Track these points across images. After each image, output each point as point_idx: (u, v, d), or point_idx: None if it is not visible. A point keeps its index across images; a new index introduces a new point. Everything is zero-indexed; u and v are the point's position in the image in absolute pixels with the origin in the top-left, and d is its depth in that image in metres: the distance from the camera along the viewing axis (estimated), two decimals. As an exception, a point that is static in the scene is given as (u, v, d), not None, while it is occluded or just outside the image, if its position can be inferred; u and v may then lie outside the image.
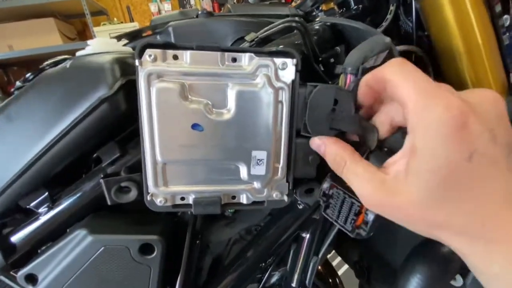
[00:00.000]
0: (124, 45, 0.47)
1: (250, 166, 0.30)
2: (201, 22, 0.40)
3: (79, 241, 0.36)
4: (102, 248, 0.36)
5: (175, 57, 0.26)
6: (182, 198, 0.31)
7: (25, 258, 0.40)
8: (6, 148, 0.35)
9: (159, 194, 0.30)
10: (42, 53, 2.48)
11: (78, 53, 0.36)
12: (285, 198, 0.33)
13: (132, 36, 0.47)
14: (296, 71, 0.27)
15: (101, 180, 0.36)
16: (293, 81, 0.27)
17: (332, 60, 0.45)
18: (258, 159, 0.30)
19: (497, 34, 0.44)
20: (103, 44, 0.35)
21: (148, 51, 0.25)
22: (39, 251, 0.41)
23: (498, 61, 0.44)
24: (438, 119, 0.18)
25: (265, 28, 0.37)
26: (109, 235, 0.36)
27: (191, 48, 0.26)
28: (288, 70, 0.27)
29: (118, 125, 0.35)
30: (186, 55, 0.26)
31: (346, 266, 1.18)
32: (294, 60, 0.27)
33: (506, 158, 0.19)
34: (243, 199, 0.32)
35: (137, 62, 0.25)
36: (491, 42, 0.42)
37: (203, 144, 0.28)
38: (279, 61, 0.27)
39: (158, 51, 0.25)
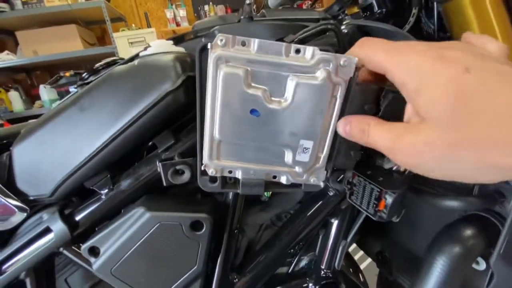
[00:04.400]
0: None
1: (296, 153, 0.33)
2: (244, 26, 0.45)
3: (137, 217, 0.41)
4: (158, 224, 0.41)
5: (243, 43, 0.28)
6: (230, 172, 0.35)
7: (84, 235, 0.45)
8: (78, 135, 0.41)
9: (211, 165, 0.34)
10: (64, 58, 2.61)
11: (141, 53, 0.42)
12: (321, 183, 0.36)
13: (177, 40, 0.52)
14: (356, 69, 0.29)
15: (159, 163, 0.40)
16: (351, 78, 0.29)
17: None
18: (305, 148, 0.33)
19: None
20: (162, 46, 0.40)
21: (220, 36, 0.27)
22: (96, 228, 0.46)
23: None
24: (418, 61, 0.21)
25: (304, 30, 0.41)
26: (164, 213, 0.41)
27: None
28: (348, 67, 0.28)
29: (175, 115, 0.40)
30: (254, 43, 0.28)
31: (366, 263, 1.20)
32: (356, 59, 0.28)
33: (507, 66, 0.19)
34: (283, 180, 0.36)
35: (209, 45, 0.28)
36: (511, 43, 0.46)
37: (257, 128, 0.31)
38: (342, 58, 0.28)
39: (229, 37, 0.28)
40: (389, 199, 0.36)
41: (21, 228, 0.48)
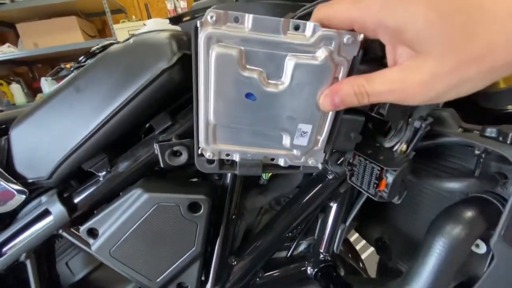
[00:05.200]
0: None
1: (294, 136, 0.32)
2: (241, 5, 0.44)
3: (135, 199, 0.41)
4: (156, 205, 0.40)
5: (236, 20, 0.25)
6: (227, 155, 0.34)
7: (83, 217, 0.46)
8: (75, 116, 0.40)
9: (208, 149, 0.33)
10: (65, 50, 2.60)
11: (137, 32, 0.41)
12: (320, 165, 0.36)
13: (175, 20, 0.51)
14: (360, 47, 0.26)
15: (156, 144, 0.40)
16: (354, 57, 0.27)
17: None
18: (303, 131, 0.32)
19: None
20: (157, 24, 0.40)
21: (210, 12, 0.25)
22: (95, 211, 0.47)
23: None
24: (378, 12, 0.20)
25: (303, 8, 0.40)
26: (162, 194, 0.41)
27: None
28: (352, 45, 0.26)
29: (172, 95, 0.39)
30: (249, 19, 0.25)
31: (366, 253, 1.20)
32: (361, 36, 0.25)
33: None
34: (281, 162, 0.36)
35: (198, 23, 0.25)
36: None
37: (253, 112, 0.30)
38: (346, 35, 0.25)
39: (220, 12, 0.25)
40: (390, 177, 0.36)
41: (22, 212, 0.49)
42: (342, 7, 0.23)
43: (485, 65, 0.19)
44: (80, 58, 0.53)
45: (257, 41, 0.26)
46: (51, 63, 2.99)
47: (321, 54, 0.26)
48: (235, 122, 0.31)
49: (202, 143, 0.33)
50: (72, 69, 0.50)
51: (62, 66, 1.77)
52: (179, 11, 3.09)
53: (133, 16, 2.87)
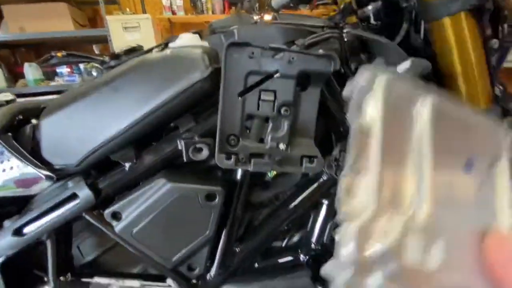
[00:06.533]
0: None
1: None
2: (260, 28, 0.51)
3: (159, 188, 0.47)
4: (177, 194, 0.47)
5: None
6: None
7: (105, 202, 0.50)
8: (109, 113, 0.46)
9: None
10: (52, 37, 2.53)
11: (171, 45, 0.47)
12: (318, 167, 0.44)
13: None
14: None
15: (181, 141, 0.46)
16: None
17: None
18: None
19: (487, 55, 0.57)
20: (191, 39, 0.46)
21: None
22: (116, 197, 0.52)
23: (486, 77, 0.57)
24: None
25: (313, 36, 0.48)
26: (183, 184, 0.47)
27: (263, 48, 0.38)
28: None
29: (198, 101, 0.46)
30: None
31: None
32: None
33: None
34: None
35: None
36: (482, 62, 0.55)
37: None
38: None
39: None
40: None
41: (40, 195, 0.52)
42: None
43: None
44: (106, 59, 0.57)
45: None
46: (36, 49, 2.89)
47: None
48: None
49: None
50: (104, 67, 0.54)
51: (53, 54, 1.76)
52: (175, 8, 3.10)
53: (127, 9, 2.85)
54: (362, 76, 0.15)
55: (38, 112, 0.52)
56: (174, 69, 0.42)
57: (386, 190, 0.14)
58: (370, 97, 0.15)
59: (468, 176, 0.16)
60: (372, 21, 0.63)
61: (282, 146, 0.45)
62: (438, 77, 0.59)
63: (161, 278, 0.53)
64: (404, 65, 0.46)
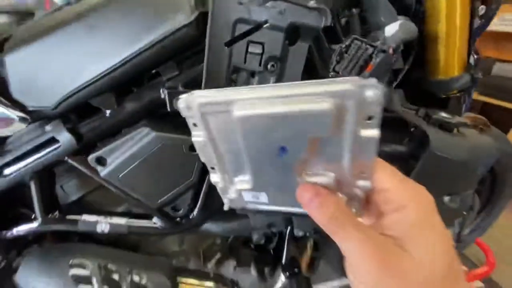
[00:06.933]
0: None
1: None
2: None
3: (143, 136, 0.47)
4: (161, 143, 0.48)
5: None
6: None
7: (88, 148, 0.51)
8: (86, 53, 0.42)
9: None
10: None
11: None
12: None
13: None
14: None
15: (165, 90, 0.45)
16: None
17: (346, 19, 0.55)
18: None
19: (471, 21, 0.58)
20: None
21: None
22: (98, 144, 0.52)
23: (465, 43, 0.58)
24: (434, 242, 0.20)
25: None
26: (167, 134, 0.48)
27: None
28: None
29: (183, 47, 0.43)
30: None
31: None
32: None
33: None
34: None
35: None
36: (465, 27, 0.56)
37: None
38: None
39: None
40: (378, 58, 0.46)
41: (15, 137, 0.51)
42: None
43: None
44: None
45: None
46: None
47: None
48: None
49: None
50: None
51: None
52: None
53: None
54: (182, 101, 0.20)
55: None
56: (157, 11, 0.39)
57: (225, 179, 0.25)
58: (191, 121, 0.21)
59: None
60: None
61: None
62: (421, 39, 0.59)
63: (147, 217, 0.58)
64: (393, 28, 0.46)
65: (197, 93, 0.20)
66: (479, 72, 0.61)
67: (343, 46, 0.45)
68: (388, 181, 0.21)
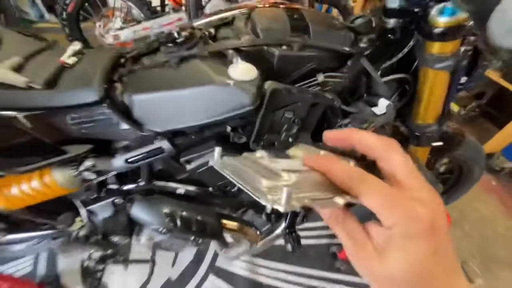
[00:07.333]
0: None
1: None
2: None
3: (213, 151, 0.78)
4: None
5: None
6: None
7: (178, 154, 0.82)
8: (189, 111, 0.69)
9: None
10: None
11: (231, 72, 0.64)
12: None
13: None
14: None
15: (232, 133, 0.74)
16: None
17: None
18: None
19: (450, 89, 0.78)
20: (248, 70, 0.64)
21: None
22: (183, 151, 0.83)
23: (441, 106, 0.80)
24: (413, 228, 0.21)
25: (328, 74, 0.67)
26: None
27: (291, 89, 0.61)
28: None
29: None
30: None
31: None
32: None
33: (452, 249, 0.22)
34: None
35: None
36: (442, 100, 0.78)
37: None
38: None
39: None
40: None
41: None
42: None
43: None
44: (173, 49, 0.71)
45: None
46: None
47: None
48: None
49: None
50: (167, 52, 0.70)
51: None
52: None
53: None
54: (214, 155, 0.30)
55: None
56: (235, 98, 0.63)
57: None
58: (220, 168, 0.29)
59: None
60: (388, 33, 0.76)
61: (290, 139, 0.75)
62: (412, 94, 0.82)
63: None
64: (381, 109, 0.70)
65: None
66: (446, 124, 0.85)
67: (344, 123, 0.70)
68: (375, 204, 0.22)
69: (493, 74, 1.93)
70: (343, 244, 0.26)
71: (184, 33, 0.71)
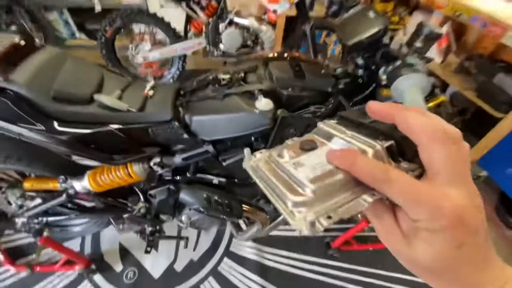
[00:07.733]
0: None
1: None
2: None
3: (242, 155, 1.19)
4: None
5: None
6: None
7: (217, 154, 1.23)
8: (224, 127, 1.10)
9: None
10: None
11: (257, 103, 1.05)
12: None
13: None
14: None
15: (246, 149, 1.14)
16: None
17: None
18: None
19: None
20: (267, 104, 1.05)
21: None
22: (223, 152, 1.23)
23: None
24: (437, 224, 0.21)
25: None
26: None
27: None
28: None
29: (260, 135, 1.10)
30: None
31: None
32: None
33: (485, 241, 0.22)
34: None
35: None
36: None
37: None
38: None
39: None
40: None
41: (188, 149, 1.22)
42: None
43: None
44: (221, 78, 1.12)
45: None
46: None
47: None
48: None
49: None
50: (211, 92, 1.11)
51: None
52: None
53: None
54: (246, 156, 0.35)
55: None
56: (258, 121, 1.03)
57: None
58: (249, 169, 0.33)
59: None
60: (358, 78, 1.16)
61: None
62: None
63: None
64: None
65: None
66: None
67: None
68: (400, 201, 0.23)
69: (470, 94, 2.22)
70: (374, 227, 0.26)
71: (225, 77, 1.12)
